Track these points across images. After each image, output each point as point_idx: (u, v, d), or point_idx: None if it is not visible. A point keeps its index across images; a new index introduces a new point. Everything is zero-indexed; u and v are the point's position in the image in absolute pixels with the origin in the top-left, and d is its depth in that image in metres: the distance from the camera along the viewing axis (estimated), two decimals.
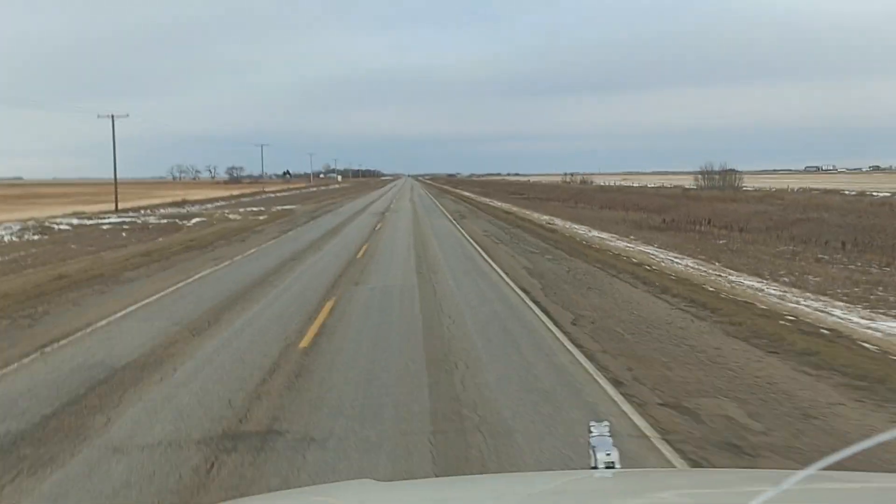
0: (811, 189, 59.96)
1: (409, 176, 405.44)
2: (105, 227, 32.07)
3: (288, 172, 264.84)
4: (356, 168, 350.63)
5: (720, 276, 16.60)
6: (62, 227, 31.66)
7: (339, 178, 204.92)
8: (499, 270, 17.69)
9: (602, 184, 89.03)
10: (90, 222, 34.44)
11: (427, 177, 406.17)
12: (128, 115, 48.32)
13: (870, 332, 10.34)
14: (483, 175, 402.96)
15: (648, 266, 18.35)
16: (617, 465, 1.96)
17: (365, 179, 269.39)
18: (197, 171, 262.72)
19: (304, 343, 10.08)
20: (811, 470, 1.31)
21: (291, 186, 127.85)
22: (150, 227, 32.18)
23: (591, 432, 2.07)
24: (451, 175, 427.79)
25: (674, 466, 5.43)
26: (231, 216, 39.07)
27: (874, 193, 49.87)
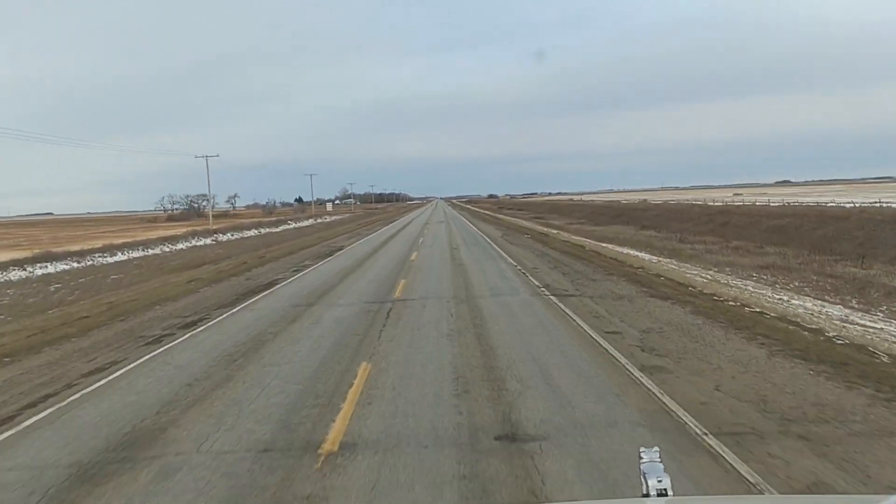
0: None
1: (441, 199, 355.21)
2: None
3: (300, 199, 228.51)
4: (379, 192, 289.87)
5: None
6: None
7: (330, 206, 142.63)
8: None
9: None
10: None
11: (463, 199, 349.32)
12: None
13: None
14: (524, 195, 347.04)
15: None
16: (669, 492, 1.86)
17: (382, 206, 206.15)
18: (193, 202, 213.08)
19: None
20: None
21: (255, 221, 68.40)
22: None
23: (641, 458, 1.95)
24: (491, 196, 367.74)
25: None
26: None
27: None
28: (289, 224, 67.92)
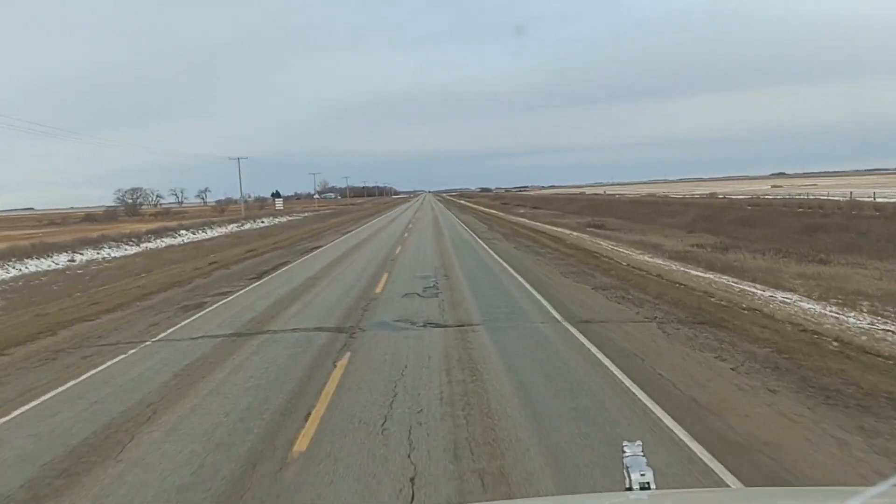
0: None
1: (429, 192, 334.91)
2: None
3: (277, 193, 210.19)
4: (363, 184, 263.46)
5: None
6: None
7: (280, 203, 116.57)
8: None
9: None
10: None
11: (452, 193, 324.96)
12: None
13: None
14: (517, 188, 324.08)
15: None
16: (652, 486, 1.84)
17: (361, 202, 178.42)
18: (158, 196, 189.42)
19: None
20: (880, 487, 1.25)
21: (175, 224, 42.22)
22: None
23: (624, 452, 1.92)
24: (484, 189, 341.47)
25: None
26: None
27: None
28: (179, 236, 41.09)
